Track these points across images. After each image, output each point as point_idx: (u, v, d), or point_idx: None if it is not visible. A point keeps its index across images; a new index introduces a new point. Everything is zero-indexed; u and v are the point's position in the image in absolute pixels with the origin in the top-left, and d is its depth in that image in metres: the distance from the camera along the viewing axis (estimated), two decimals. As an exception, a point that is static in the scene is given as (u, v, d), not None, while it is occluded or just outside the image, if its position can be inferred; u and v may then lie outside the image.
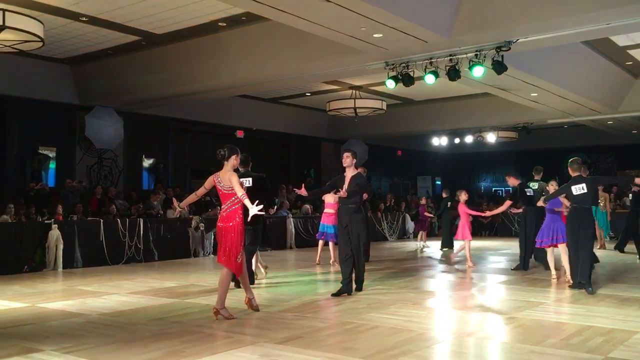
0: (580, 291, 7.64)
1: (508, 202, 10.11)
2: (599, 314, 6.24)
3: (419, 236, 15.69)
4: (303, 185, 7.72)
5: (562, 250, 8.52)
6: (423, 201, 16.08)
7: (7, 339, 5.30)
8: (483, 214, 11.50)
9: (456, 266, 10.86)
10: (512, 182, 10.32)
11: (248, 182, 7.75)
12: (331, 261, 11.09)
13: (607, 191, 15.11)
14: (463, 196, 10.86)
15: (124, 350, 4.86)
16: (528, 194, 9.97)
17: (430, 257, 13.03)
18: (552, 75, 12.87)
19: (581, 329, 5.47)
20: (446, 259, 12.39)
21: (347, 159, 7.65)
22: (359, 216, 7.57)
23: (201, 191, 6.41)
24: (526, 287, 8.23)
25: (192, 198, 6.64)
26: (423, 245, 15.27)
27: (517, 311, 6.42)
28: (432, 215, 15.79)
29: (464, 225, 10.64)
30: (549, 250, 8.92)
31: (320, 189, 8.20)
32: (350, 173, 7.66)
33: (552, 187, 8.79)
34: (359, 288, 7.72)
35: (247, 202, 5.76)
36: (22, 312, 6.66)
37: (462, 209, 10.74)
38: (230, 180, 5.98)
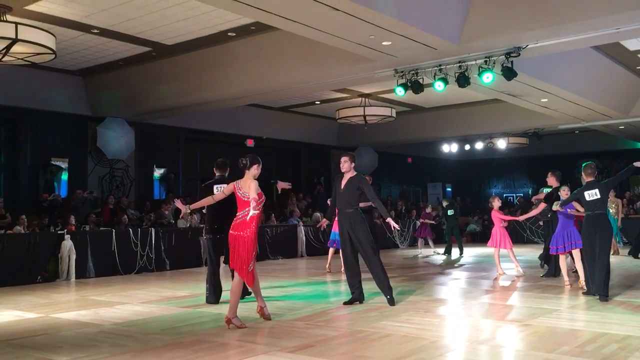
0: (595, 298, 7.57)
1: (542, 205, 9.60)
2: (614, 320, 6.18)
3: (421, 243, 15.92)
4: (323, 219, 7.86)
5: (577, 257, 8.43)
6: (429, 209, 16.25)
7: (21, 350, 5.33)
8: (516, 219, 11.28)
9: (510, 272, 10.48)
10: (552, 182, 9.64)
11: (222, 188, 7.38)
12: (342, 269, 11.05)
13: (620, 197, 15.01)
14: (496, 202, 10.50)
15: (137, 359, 4.87)
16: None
17: (436, 264, 12.96)
18: (562, 81, 12.81)
19: (596, 336, 5.42)
20: (446, 265, 12.44)
21: (345, 164, 7.25)
22: (358, 220, 7.20)
23: (219, 195, 6.44)
24: (539, 294, 8.17)
25: (207, 201, 6.63)
26: (434, 252, 15.29)
27: (530, 318, 6.37)
28: (430, 221, 15.80)
29: (496, 232, 10.29)
30: (563, 257, 8.83)
31: (331, 209, 7.76)
32: (348, 176, 7.31)
33: (564, 192, 8.69)
34: (390, 301, 7.22)
35: (252, 204, 5.81)
36: (35, 323, 6.70)
37: (495, 216, 10.41)
38: (250, 187, 6.02)
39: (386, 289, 7.29)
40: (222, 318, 6.17)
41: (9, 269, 10.10)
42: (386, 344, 5.31)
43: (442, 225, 17.17)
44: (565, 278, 8.81)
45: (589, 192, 7.67)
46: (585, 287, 8.04)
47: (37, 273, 10.48)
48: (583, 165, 7.96)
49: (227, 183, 7.46)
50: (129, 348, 5.30)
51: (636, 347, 5.01)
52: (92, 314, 7.14)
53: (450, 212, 15.08)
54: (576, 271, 8.84)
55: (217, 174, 7.86)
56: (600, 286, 7.42)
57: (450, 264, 12.95)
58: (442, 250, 15.35)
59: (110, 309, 7.50)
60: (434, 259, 14.23)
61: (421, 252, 15.68)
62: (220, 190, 7.30)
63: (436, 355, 4.89)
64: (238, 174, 6.45)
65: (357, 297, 7.38)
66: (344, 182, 7.29)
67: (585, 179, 7.84)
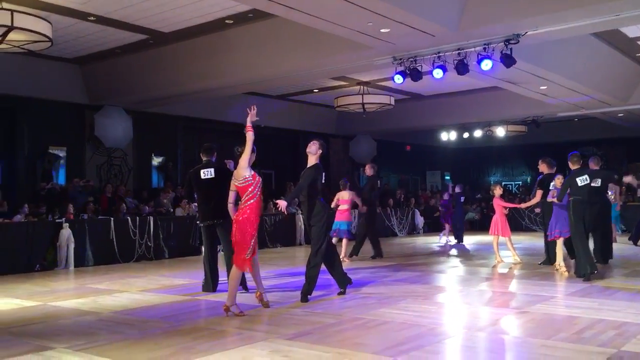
0: (593, 285, 7.62)
1: (540, 192, 9.62)
2: (611, 307, 6.20)
3: (447, 229, 15.35)
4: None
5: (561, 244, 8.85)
6: (446, 196, 15.87)
7: (20, 337, 5.35)
8: (518, 206, 11.27)
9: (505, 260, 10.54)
10: (544, 169, 9.79)
11: (210, 173, 7.53)
12: (341, 257, 11.08)
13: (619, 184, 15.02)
14: (498, 190, 10.51)
15: (136, 347, 4.89)
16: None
17: (440, 252, 12.99)
18: (561, 68, 12.77)
19: (593, 323, 5.44)
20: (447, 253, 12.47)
21: (313, 146, 6.98)
22: (313, 211, 6.87)
23: (231, 196, 6.45)
24: (537, 282, 8.19)
25: (232, 211, 6.46)
26: (447, 241, 15.05)
27: (528, 305, 6.39)
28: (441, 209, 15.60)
29: (497, 220, 10.29)
30: (560, 243, 8.88)
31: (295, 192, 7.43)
32: (308, 165, 7.02)
33: (558, 181, 8.80)
34: (302, 296, 6.80)
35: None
36: (34, 311, 6.70)
37: (497, 203, 10.41)
38: (240, 171, 6.10)
39: (306, 289, 6.89)
40: (221, 306, 6.18)
41: (8, 257, 10.09)
42: (384, 331, 5.33)
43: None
44: (562, 264, 8.84)
45: (580, 178, 8.23)
46: (564, 269, 8.59)
47: (36, 261, 10.48)
48: (570, 154, 8.57)
49: (214, 167, 7.61)
50: (127, 335, 5.32)
51: (633, 333, 5.03)
52: (91, 302, 7.15)
53: (462, 199, 14.98)
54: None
55: (204, 158, 7.80)
56: (585, 268, 8.03)
57: (446, 252, 12.99)
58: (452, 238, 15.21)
59: (109, 297, 7.51)
60: (439, 247, 14.25)
61: (448, 240, 15.11)
62: (208, 175, 7.54)
63: (434, 342, 4.91)
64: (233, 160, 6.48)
65: (339, 286, 7.29)
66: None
67: (572, 166, 8.45)
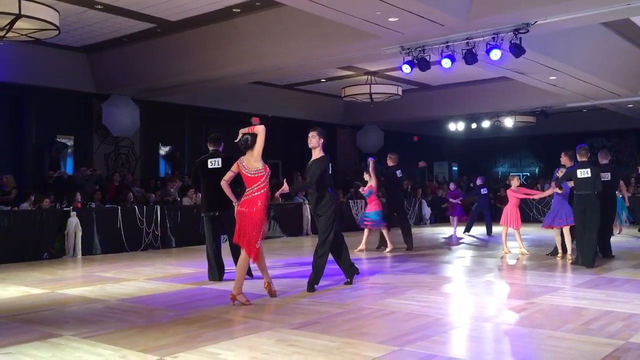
0: (601, 276, 7.60)
1: (554, 184, 9.63)
2: (619, 298, 6.17)
3: (453, 222, 15.13)
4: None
5: (567, 233, 9.11)
6: (452, 186, 15.65)
7: (27, 324, 5.38)
8: (533, 197, 11.26)
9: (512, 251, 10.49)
10: (566, 162, 9.56)
11: (217, 162, 7.54)
12: (362, 247, 11.12)
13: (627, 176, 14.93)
14: (515, 182, 10.42)
15: (143, 335, 4.90)
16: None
17: (449, 244, 12.97)
18: (571, 58, 12.65)
19: (601, 314, 5.41)
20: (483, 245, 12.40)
21: (313, 139, 6.87)
22: (320, 201, 6.86)
23: (229, 175, 6.38)
24: (544, 272, 8.16)
25: (227, 189, 6.46)
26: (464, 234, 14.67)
27: (535, 296, 6.36)
28: (455, 201, 15.28)
29: (508, 211, 10.22)
30: (557, 231, 9.33)
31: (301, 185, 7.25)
32: (313, 157, 6.94)
33: (560, 172, 9.10)
34: (308, 286, 6.77)
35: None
36: (42, 298, 6.74)
37: (511, 194, 10.29)
38: (252, 162, 6.09)
39: (312, 279, 6.87)
40: (227, 295, 6.19)
41: (16, 245, 10.17)
42: (390, 321, 5.32)
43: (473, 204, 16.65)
44: (559, 251, 9.36)
45: (581, 170, 8.38)
46: (571, 258, 8.85)
47: (44, 250, 10.55)
48: (578, 147, 8.65)
49: (221, 157, 7.60)
50: (134, 323, 5.34)
51: (641, 325, 5.00)
52: (98, 290, 7.18)
53: (483, 191, 14.67)
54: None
55: (211, 148, 7.84)
56: (589, 259, 8.33)
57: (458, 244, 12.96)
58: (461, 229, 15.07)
59: (116, 285, 7.54)
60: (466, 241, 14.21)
61: (455, 232, 14.85)
62: (215, 165, 7.52)
63: (440, 332, 4.90)
64: (237, 152, 6.43)
65: (346, 277, 7.29)
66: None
67: (579, 159, 8.55)
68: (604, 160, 9.48)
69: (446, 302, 6.34)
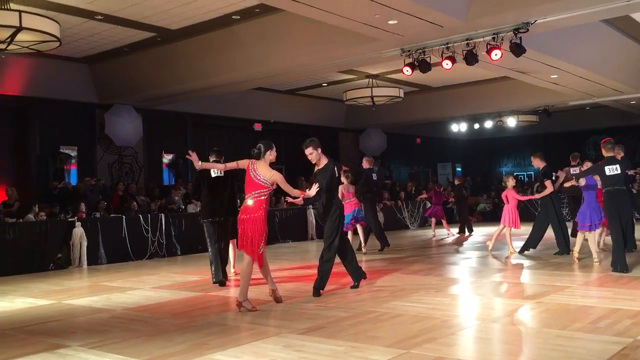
0: (608, 274, 7.56)
1: (550, 183, 9.73)
2: (627, 296, 6.14)
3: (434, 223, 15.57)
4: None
5: (596, 234, 8.72)
6: (441, 188, 16.03)
7: (35, 336, 5.38)
8: (532, 197, 11.19)
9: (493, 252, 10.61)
10: (538, 164, 10.08)
11: (219, 172, 7.81)
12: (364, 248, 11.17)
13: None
14: (511, 181, 10.47)
15: (149, 344, 4.90)
16: (554, 178, 9.93)
17: (450, 244, 12.93)
18: (572, 56, 12.62)
19: (608, 312, 5.38)
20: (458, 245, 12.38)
21: (312, 155, 6.84)
22: (327, 206, 6.85)
23: (231, 165, 6.37)
24: (551, 272, 8.13)
25: (219, 166, 6.74)
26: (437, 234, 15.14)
27: (542, 296, 6.34)
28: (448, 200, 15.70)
29: (507, 211, 10.23)
30: (592, 235, 8.74)
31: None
32: (318, 167, 6.93)
33: (586, 166, 8.81)
34: (315, 292, 6.78)
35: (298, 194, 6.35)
36: (48, 309, 6.75)
37: (510, 194, 10.32)
38: (276, 181, 6.13)
39: (318, 284, 6.85)
40: (233, 302, 6.19)
41: (22, 257, 10.19)
42: (397, 324, 5.30)
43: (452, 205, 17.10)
44: (595, 255, 8.69)
45: (610, 167, 7.75)
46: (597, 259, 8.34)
47: (50, 260, 10.57)
48: (603, 141, 8.00)
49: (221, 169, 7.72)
50: (141, 332, 5.33)
51: (650, 322, 4.97)
52: (104, 300, 7.19)
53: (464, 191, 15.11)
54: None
55: (213, 159, 8.06)
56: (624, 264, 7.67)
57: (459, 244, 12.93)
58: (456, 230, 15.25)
59: (122, 295, 7.54)
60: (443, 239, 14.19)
61: (434, 233, 15.31)
62: (218, 173, 7.80)
63: (448, 334, 4.88)
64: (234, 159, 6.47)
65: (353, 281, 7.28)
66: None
67: (605, 154, 7.90)
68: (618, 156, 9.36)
69: (453, 304, 6.32)
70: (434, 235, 14.97)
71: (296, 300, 6.57)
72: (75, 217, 11.23)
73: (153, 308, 6.54)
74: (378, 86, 16.22)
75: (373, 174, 11.66)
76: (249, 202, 6.09)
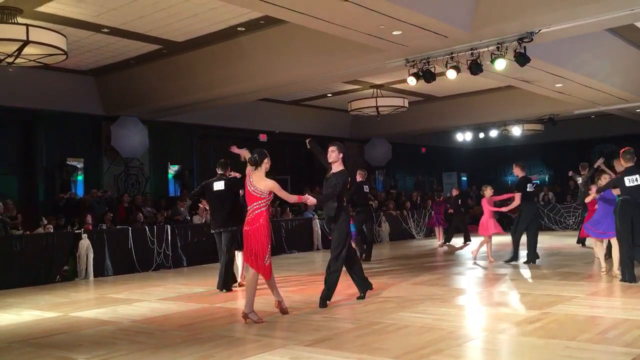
0: (616, 284, 7.51)
1: (519, 195, 10.10)
2: (635, 306, 6.10)
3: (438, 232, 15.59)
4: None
5: (612, 244, 8.32)
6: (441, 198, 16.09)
7: (41, 349, 5.38)
8: (502, 209, 11.13)
9: (478, 262, 10.72)
10: (518, 172, 10.44)
11: (220, 185, 8.32)
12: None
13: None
14: (488, 191, 10.83)
15: (156, 356, 4.90)
16: (529, 189, 10.14)
17: (449, 254, 12.89)
18: (576, 65, 12.62)
19: (617, 323, 5.35)
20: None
21: (332, 154, 6.92)
22: (336, 215, 6.84)
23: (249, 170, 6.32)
24: (558, 282, 8.09)
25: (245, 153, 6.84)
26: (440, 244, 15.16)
27: (549, 306, 6.30)
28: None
29: (486, 220, 10.61)
30: (601, 243, 8.66)
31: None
32: (332, 171, 6.95)
33: (604, 180, 8.40)
34: (320, 302, 6.73)
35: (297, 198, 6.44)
36: (55, 322, 6.75)
37: (484, 204, 10.70)
38: (272, 189, 6.11)
39: (325, 295, 6.82)
40: (239, 313, 6.18)
41: (28, 269, 10.21)
42: (404, 335, 5.28)
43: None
44: (603, 264, 8.62)
45: (630, 177, 7.55)
46: (619, 274, 7.85)
47: (56, 272, 10.58)
48: (622, 151, 7.83)
49: (224, 181, 8.35)
50: (147, 345, 5.33)
51: (659, 332, 4.93)
52: (111, 312, 7.19)
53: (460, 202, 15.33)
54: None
55: (219, 172, 8.56)
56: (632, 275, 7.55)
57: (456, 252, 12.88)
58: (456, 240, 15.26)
59: (129, 307, 7.54)
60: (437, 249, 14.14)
61: (441, 242, 15.28)
62: (219, 187, 8.33)
63: (454, 345, 4.86)
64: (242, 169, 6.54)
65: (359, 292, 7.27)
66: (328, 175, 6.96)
67: (624, 164, 7.71)
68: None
69: (459, 315, 6.29)
70: (441, 245, 14.93)
71: (302, 312, 6.55)
72: (82, 229, 11.26)
73: (159, 320, 6.53)
74: (383, 96, 16.25)
75: (364, 186, 11.72)
76: (251, 214, 6.12)
